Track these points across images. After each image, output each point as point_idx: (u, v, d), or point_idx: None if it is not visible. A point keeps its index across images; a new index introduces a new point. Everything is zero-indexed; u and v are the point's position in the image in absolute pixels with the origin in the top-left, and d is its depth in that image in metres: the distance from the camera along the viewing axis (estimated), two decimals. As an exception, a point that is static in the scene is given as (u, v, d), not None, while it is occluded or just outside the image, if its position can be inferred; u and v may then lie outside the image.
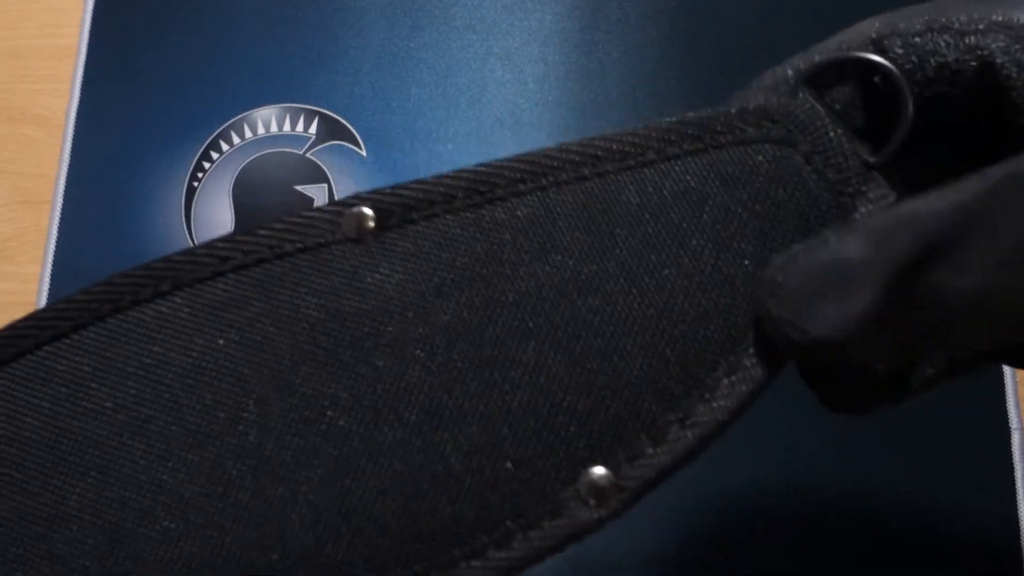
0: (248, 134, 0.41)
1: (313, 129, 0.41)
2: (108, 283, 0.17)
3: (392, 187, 0.17)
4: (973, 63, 0.16)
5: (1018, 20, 0.16)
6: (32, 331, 0.17)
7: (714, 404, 0.15)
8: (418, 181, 0.17)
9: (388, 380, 0.16)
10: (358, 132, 0.41)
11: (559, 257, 0.16)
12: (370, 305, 0.16)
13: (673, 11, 0.42)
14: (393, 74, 0.42)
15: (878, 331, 0.14)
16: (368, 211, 0.17)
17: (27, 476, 0.16)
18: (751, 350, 0.15)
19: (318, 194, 0.40)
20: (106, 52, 0.43)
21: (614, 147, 0.17)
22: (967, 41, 0.16)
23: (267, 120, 0.41)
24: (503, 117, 0.41)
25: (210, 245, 0.17)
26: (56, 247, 0.40)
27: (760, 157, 0.17)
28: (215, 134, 0.41)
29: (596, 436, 0.15)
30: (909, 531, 0.34)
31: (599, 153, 0.17)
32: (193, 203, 0.40)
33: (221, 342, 0.16)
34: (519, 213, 0.16)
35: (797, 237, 0.16)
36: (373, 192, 0.17)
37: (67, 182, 0.41)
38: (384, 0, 0.43)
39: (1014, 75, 0.15)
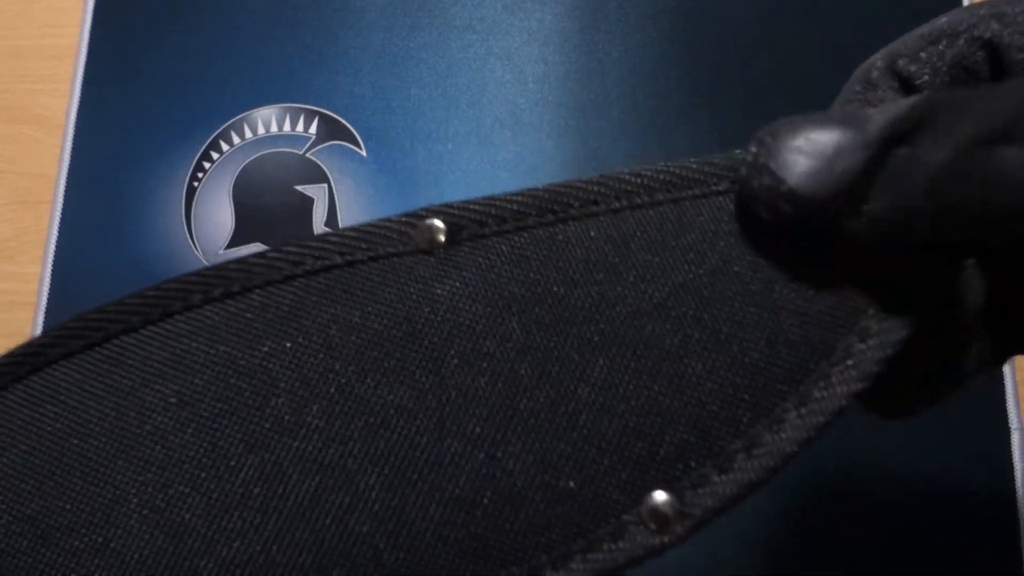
0: (248, 134, 0.41)
1: (313, 129, 0.41)
2: (180, 280, 0.17)
3: (463, 202, 0.17)
4: (980, 52, 0.16)
5: (1004, 9, 0.16)
6: (102, 324, 0.17)
7: (782, 435, 0.15)
8: (489, 198, 0.17)
9: (453, 392, 0.16)
10: (358, 132, 0.41)
11: (631, 279, 0.16)
12: (439, 317, 0.16)
13: (673, 11, 0.42)
14: (393, 74, 0.42)
15: (858, 191, 0.14)
16: (440, 224, 0.17)
17: (88, 468, 0.16)
18: (821, 382, 0.15)
19: (318, 194, 0.40)
20: (106, 52, 0.43)
21: (690, 175, 0.17)
22: (966, 36, 0.16)
23: (267, 120, 0.41)
24: (503, 117, 0.41)
25: (282, 249, 0.17)
26: (56, 247, 0.40)
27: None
28: (215, 134, 0.41)
29: (661, 460, 0.15)
30: (908, 530, 0.34)
31: (675, 180, 0.17)
32: (193, 203, 0.40)
33: (288, 345, 0.16)
34: (592, 234, 0.17)
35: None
36: (445, 206, 0.17)
37: (67, 182, 0.41)
38: (384, 0, 0.43)
39: (1016, 55, 0.16)
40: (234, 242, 0.40)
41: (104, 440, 0.16)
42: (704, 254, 0.16)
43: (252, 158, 0.41)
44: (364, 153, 0.40)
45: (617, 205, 0.17)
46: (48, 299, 0.39)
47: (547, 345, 0.16)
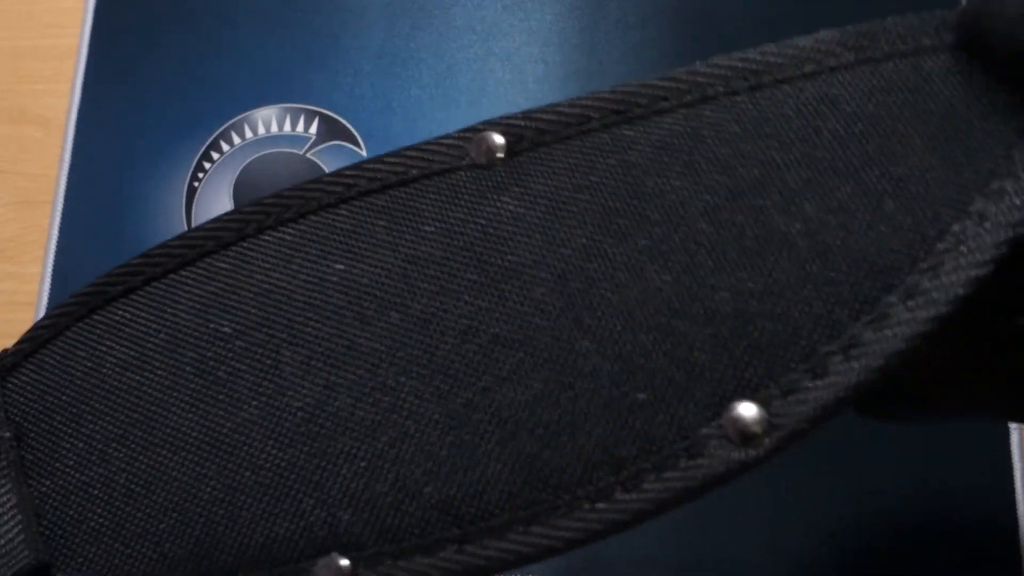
0: (248, 134, 0.41)
1: (313, 129, 0.41)
2: (237, 211, 0.17)
3: (523, 112, 0.16)
4: None
5: None
6: (161, 259, 0.17)
7: (887, 332, 0.13)
8: (551, 105, 0.16)
9: (513, 306, 0.15)
10: (358, 132, 0.41)
11: (708, 172, 0.15)
12: (495, 230, 0.16)
13: (673, 11, 0.42)
14: (393, 74, 0.42)
15: None
16: (498, 137, 0.16)
17: (143, 402, 0.16)
18: (932, 271, 0.13)
19: (318, 194, 0.40)
20: (107, 53, 0.43)
21: (769, 59, 0.16)
22: None
23: (267, 120, 0.41)
24: (503, 117, 0.41)
25: (338, 173, 0.17)
26: (57, 247, 0.40)
27: (932, 65, 0.15)
28: (215, 134, 0.41)
29: (744, 366, 0.14)
30: (907, 530, 0.34)
31: (752, 67, 0.16)
32: (194, 203, 0.40)
33: (340, 267, 0.16)
34: (660, 130, 0.15)
35: (978, 147, 0.14)
36: (504, 117, 0.16)
37: (68, 182, 0.41)
38: (384, 0, 0.43)
39: None
40: (234, 242, 0.40)
41: (159, 373, 0.16)
42: (787, 142, 0.15)
43: (252, 158, 0.41)
44: (364, 153, 0.40)
45: (689, 99, 0.16)
46: (49, 299, 0.39)
47: (613, 252, 0.15)
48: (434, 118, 0.41)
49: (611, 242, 0.15)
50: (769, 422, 0.13)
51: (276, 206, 0.17)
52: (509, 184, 0.16)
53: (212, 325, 0.16)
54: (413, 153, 0.17)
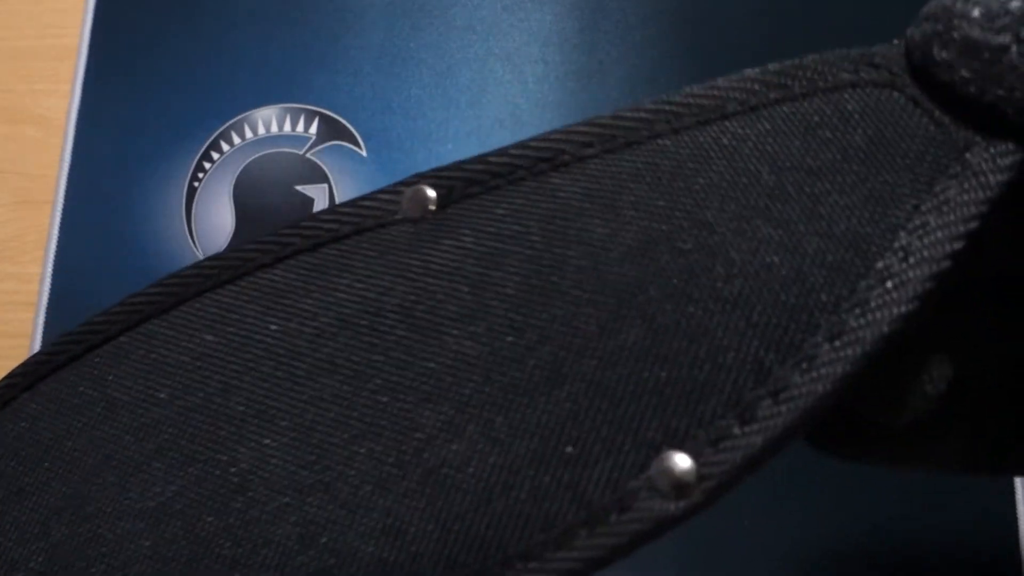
0: (248, 134, 0.41)
1: (313, 129, 0.41)
2: (177, 275, 0.17)
3: (454, 163, 0.16)
4: None
5: None
6: (103, 326, 0.17)
7: (813, 374, 0.13)
8: (480, 156, 0.16)
9: (444, 361, 0.15)
10: (358, 132, 0.41)
11: (631, 217, 0.15)
12: (426, 284, 0.15)
13: (673, 11, 0.42)
14: (393, 74, 0.42)
15: None
16: (429, 189, 0.16)
17: (81, 472, 0.16)
18: (857, 309, 0.13)
19: (318, 194, 0.40)
20: (107, 53, 0.43)
21: (691, 101, 0.16)
22: None
23: (267, 120, 0.41)
24: (503, 117, 0.41)
25: (275, 232, 0.17)
26: (57, 247, 0.40)
27: (855, 102, 0.15)
28: (215, 134, 0.41)
29: (672, 415, 0.13)
30: (906, 530, 0.34)
31: (675, 109, 0.16)
32: (194, 203, 0.40)
33: (274, 327, 0.16)
34: (586, 176, 0.16)
35: (901, 182, 0.14)
36: (435, 170, 0.16)
37: (68, 182, 0.41)
38: (384, 0, 0.43)
39: None
40: (234, 242, 0.40)
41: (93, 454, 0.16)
42: (710, 183, 0.15)
43: (252, 158, 0.41)
44: (364, 153, 0.40)
45: (613, 145, 0.16)
46: (49, 299, 0.39)
47: (541, 299, 0.15)
48: (434, 118, 0.41)
49: (538, 292, 0.15)
50: (698, 473, 0.13)
51: (214, 268, 0.17)
52: (440, 236, 0.16)
53: (150, 391, 0.16)
54: (347, 210, 0.17)
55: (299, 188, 0.40)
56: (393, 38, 0.42)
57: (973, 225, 0.13)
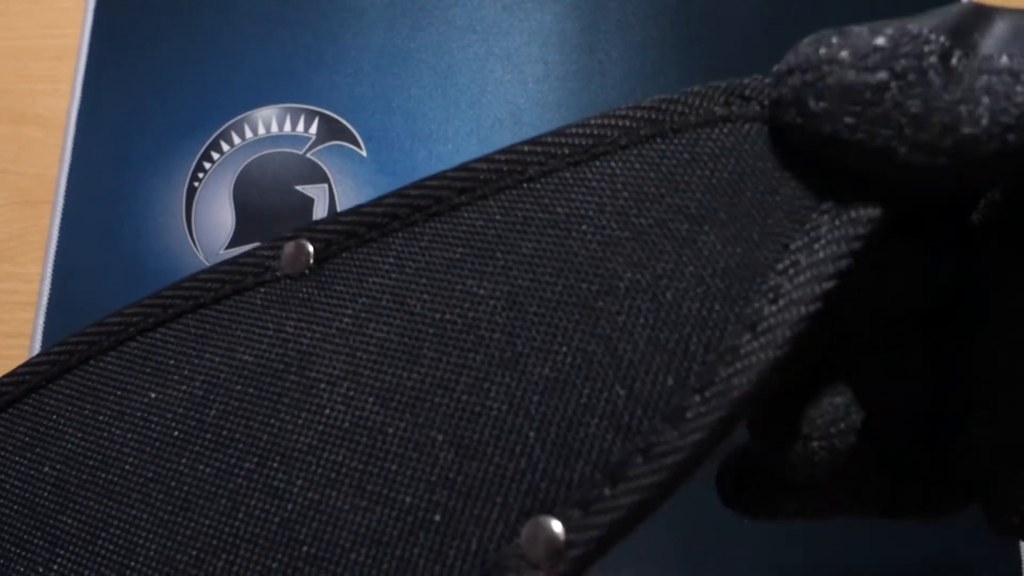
0: (248, 134, 0.41)
1: (313, 129, 0.41)
2: (58, 344, 0.17)
3: (331, 216, 0.16)
4: None
5: None
6: (19, 380, 0.17)
7: (684, 427, 0.12)
8: (355, 207, 0.16)
9: (309, 428, 0.14)
10: (358, 132, 0.41)
11: (500, 268, 0.15)
12: (299, 343, 0.15)
13: (673, 11, 0.42)
14: (393, 74, 0.42)
15: None
16: (307, 244, 0.16)
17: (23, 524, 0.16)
18: (728, 356, 0.13)
19: (318, 194, 0.40)
20: (107, 53, 0.43)
21: (562, 140, 0.15)
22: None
23: (267, 120, 0.41)
24: (503, 117, 0.41)
25: (157, 294, 0.17)
26: (57, 247, 0.40)
27: (726, 137, 0.15)
28: (215, 134, 0.41)
29: (540, 478, 0.13)
30: (906, 530, 0.34)
31: (545, 150, 0.15)
32: (194, 203, 0.40)
33: (153, 396, 0.16)
34: (460, 225, 0.15)
35: (772, 219, 0.14)
36: (310, 224, 0.16)
37: (68, 182, 0.41)
38: (384, 0, 0.43)
39: None
40: (234, 242, 0.40)
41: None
42: (578, 229, 0.14)
43: (252, 158, 0.41)
44: (364, 153, 0.40)
45: (484, 191, 0.15)
46: (49, 299, 0.39)
47: (412, 357, 0.14)
48: (434, 118, 0.41)
49: (408, 351, 0.14)
50: (566, 540, 0.12)
51: (98, 334, 0.17)
52: (316, 293, 0.16)
53: (33, 467, 0.16)
54: (227, 268, 0.16)
55: (299, 188, 0.40)
56: (393, 38, 0.42)
57: (844, 264, 0.13)
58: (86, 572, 0.15)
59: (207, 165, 0.41)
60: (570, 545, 0.12)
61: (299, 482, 0.14)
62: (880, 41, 0.13)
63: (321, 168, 0.40)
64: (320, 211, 0.40)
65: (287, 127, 0.41)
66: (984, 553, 0.34)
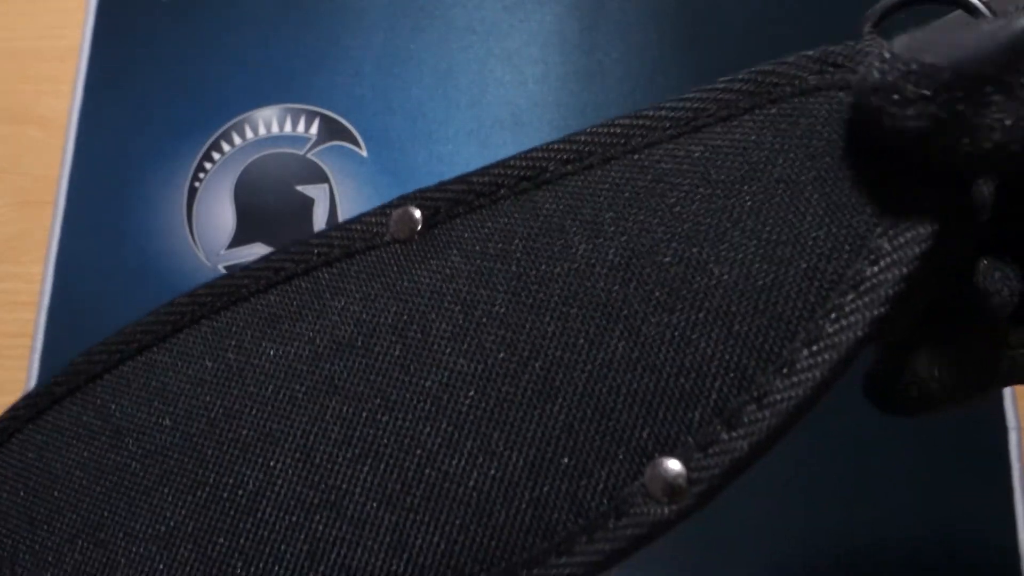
0: (249, 135, 0.41)
1: (314, 130, 0.41)
2: (172, 304, 0.18)
3: (438, 184, 0.17)
4: None
5: None
6: (102, 356, 0.18)
7: (794, 379, 0.13)
8: (463, 176, 0.17)
9: (437, 379, 0.15)
10: (359, 132, 0.41)
11: (612, 232, 0.15)
12: (416, 304, 0.16)
13: (673, 11, 0.42)
14: (394, 75, 0.42)
15: None
16: (415, 211, 0.17)
17: (90, 499, 0.16)
18: (833, 314, 0.14)
19: (319, 194, 0.40)
20: (108, 53, 0.43)
21: (664, 114, 0.16)
22: None
23: (268, 121, 0.41)
24: (503, 117, 0.41)
25: (266, 257, 0.17)
26: (59, 247, 0.40)
27: (822, 106, 0.15)
28: (216, 135, 0.41)
29: (662, 423, 0.14)
30: (905, 530, 0.34)
31: (648, 123, 0.16)
32: (195, 204, 0.40)
33: (272, 352, 0.16)
34: (567, 193, 0.16)
35: (866, 184, 0.14)
36: (419, 191, 0.17)
37: (69, 183, 0.41)
38: (385, 1, 0.43)
39: None
40: (235, 242, 0.40)
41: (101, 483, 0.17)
42: (686, 196, 0.15)
43: (253, 159, 0.41)
44: (365, 153, 0.40)
45: (591, 161, 0.16)
46: (51, 299, 0.39)
47: (530, 316, 0.15)
48: (434, 118, 0.41)
49: (526, 309, 0.15)
50: (688, 477, 0.13)
51: (209, 295, 0.18)
52: (427, 257, 0.16)
53: (154, 418, 0.17)
54: (336, 233, 0.17)
55: (300, 188, 0.40)
56: (394, 39, 0.42)
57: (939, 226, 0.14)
58: (211, 513, 0.15)
59: (208, 165, 0.41)
60: (692, 482, 0.13)
61: (428, 430, 0.15)
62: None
63: (322, 168, 0.40)
64: (320, 211, 0.40)
65: (288, 127, 0.41)
66: (984, 553, 0.34)
